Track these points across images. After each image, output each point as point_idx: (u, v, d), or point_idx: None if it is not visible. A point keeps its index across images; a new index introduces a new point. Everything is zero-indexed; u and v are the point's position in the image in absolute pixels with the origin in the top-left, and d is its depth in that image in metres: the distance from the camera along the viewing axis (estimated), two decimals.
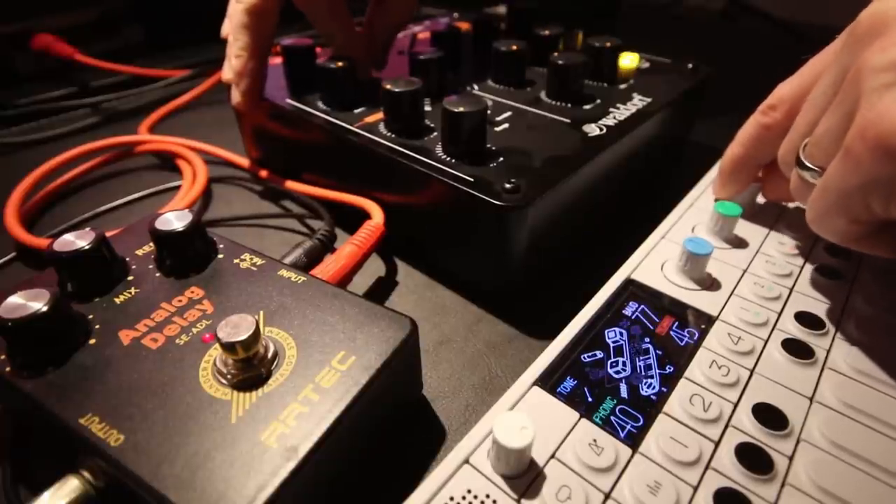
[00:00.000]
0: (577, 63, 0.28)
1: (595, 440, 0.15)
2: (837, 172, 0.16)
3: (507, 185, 0.21)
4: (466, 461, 0.15)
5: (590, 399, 0.17)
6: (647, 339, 0.19)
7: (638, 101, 0.29)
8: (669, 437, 0.15)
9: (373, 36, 0.31)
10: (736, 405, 0.16)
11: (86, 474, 0.14)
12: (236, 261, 0.20)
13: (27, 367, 0.15)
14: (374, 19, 0.31)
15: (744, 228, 0.24)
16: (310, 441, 0.14)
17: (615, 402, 0.16)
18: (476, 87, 0.31)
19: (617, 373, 0.17)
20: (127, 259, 0.20)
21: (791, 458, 0.15)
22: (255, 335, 0.15)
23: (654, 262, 0.22)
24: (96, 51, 0.47)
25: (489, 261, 0.23)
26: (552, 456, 0.15)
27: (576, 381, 0.17)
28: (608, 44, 0.31)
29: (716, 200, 0.24)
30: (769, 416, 0.16)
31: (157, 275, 0.19)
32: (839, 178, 0.16)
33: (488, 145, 0.24)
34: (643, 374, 0.17)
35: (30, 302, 0.15)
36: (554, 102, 0.29)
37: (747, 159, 0.24)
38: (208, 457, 0.13)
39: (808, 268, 0.22)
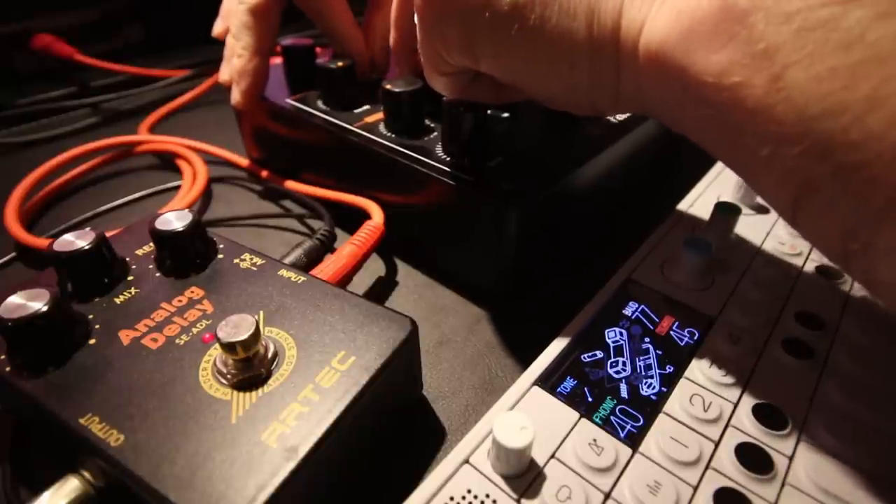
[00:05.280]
0: None
1: (595, 440, 0.15)
2: (417, 27, 0.18)
3: (507, 185, 0.21)
4: (466, 461, 0.15)
5: (590, 399, 0.17)
6: (647, 339, 0.19)
7: None
8: (669, 437, 0.15)
9: (373, 39, 0.31)
10: (736, 405, 0.16)
11: (86, 474, 0.14)
12: (236, 261, 0.20)
13: (27, 367, 0.15)
14: (371, 23, 0.31)
15: (744, 228, 0.24)
16: (310, 441, 0.14)
17: (615, 401, 0.16)
18: None
19: (617, 373, 0.17)
20: (127, 259, 0.19)
21: (791, 458, 0.15)
22: (255, 335, 0.15)
23: (654, 262, 0.22)
24: (96, 51, 0.47)
25: (489, 260, 0.23)
26: (552, 456, 0.15)
27: (576, 381, 0.17)
28: None
29: (718, 204, 0.24)
30: (769, 416, 0.16)
31: (157, 275, 0.19)
32: (418, 33, 0.18)
33: (488, 145, 0.24)
34: (643, 374, 0.17)
35: (30, 302, 0.15)
36: None
37: (405, 40, 0.25)
38: (208, 457, 0.13)
39: (809, 267, 0.22)
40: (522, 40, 0.15)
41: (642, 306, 0.20)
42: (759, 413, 0.16)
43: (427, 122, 0.26)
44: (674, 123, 0.15)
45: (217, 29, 0.33)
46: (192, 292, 0.18)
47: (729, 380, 0.17)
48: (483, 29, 0.16)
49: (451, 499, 0.14)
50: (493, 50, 0.16)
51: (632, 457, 0.15)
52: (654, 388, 0.17)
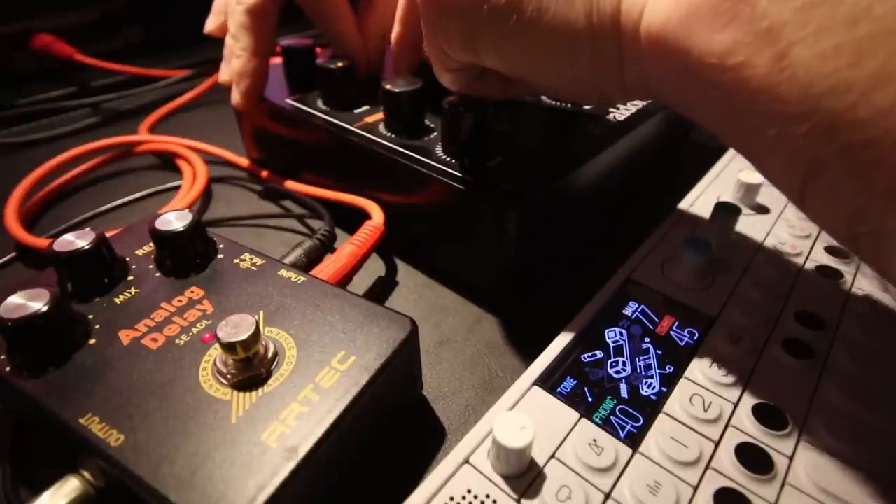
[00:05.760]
0: None
1: (595, 440, 0.15)
2: (423, 25, 0.18)
3: (507, 185, 0.21)
4: (466, 461, 0.15)
5: (590, 399, 0.17)
6: (647, 339, 0.19)
7: (638, 101, 0.29)
8: (669, 437, 0.15)
9: (367, 39, 0.31)
10: (736, 405, 0.16)
11: (86, 474, 0.14)
12: (236, 261, 0.20)
13: (27, 367, 0.15)
14: (364, 24, 0.31)
15: (744, 228, 0.24)
16: (310, 441, 0.14)
17: (615, 401, 0.16)
18: None
19: (617, 373, 0.17)
20: (127, 259, 0.19)
21: (791, 458, 0.15)
22: (255, 335, 0.15)
23: (654, 262, 0.22)
24: (96, 51, 0.47)
25: (489, 260, 0.23)
26: (552, 456, 0.15)
27: (576, 381, 0.17)
28: None
29: (718, 204, 0.24)
30: (769, 416, 0.16)
31: (157, 275, 0.19)
32: (423, 30, 0.18)
33: (488, 145, 0.24)
34: (643, 374, 0.17)
35: (30, 302, 0.15)
36: (554, 102, 0.29)
37: (409, 36, 0.25)
38: (208, 457, 0.13)
39: (809, 267, 0.22)
40: (521, 32, 0.15)
41: (642, 306, 0.20)
42: (759, 413, 0.16)
43: (427, 122, 0.26)
44: (680, 107, 0.15)
45: (209, 26, 0.32)
46: (192, 292, 0.18)
47: (729, 380, 0.17)
48: (482, 23, 0.16)
49: (451, 499, 0.14)
50: (494, 43, 0.16)
51: (632, 457, 0.15)
52: (654, 388, 0.17)
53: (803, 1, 0.10)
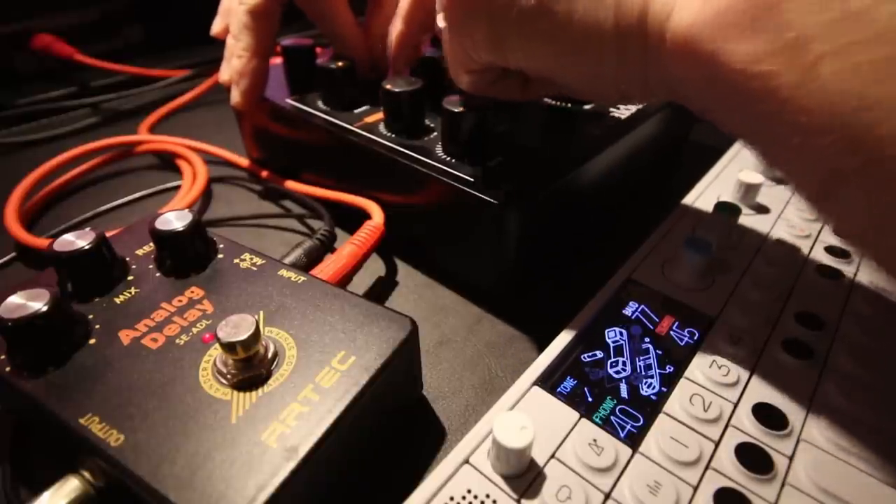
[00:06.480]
0: None
1: (595, 440, 0.15)
2: (444, 27, 0.18)
3: (507, 185, 0.21)
4: (466, 461, 0.15)
5: (590, 399, 0.17)
6: (647, 339, 0.19)
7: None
8: (669, 436, 0.15)
9: (372, 40, 0.31)
10: (736, 405, 0.16)
11: (86, 474, 0.14)
12: (236, 261, 0.20)
13: (27, 367, 0.15)
14: (372, 24, 0.31)
15: (744, 228, 0.24)
16: (310, 441, 0.14)
17: (615, 401, 0.16)
18: None
19: (617, 373, 0.17)
20: (127, 259, 0.19)
21: (791, 458, 0.15)
22: (255, 335, 0.15)
23: (654, 262, 0.22)
24: (96, 51, 0.47)
25: (489, 260, 0.23)
26: (552, 456, 0.15)
27: (576, 381, 0.17)
28: None
29: (718, 204, 0.24)
30: (769, 416, 0.16)
31: (157, 275, 0.19)
32: (444, 33, 0.18)
33: (488, 145, 0.24)
34: (643, 374, 0.17)
35: (30, 302, 0.15)
36: (554, 102, 0.29)
37: (412, 35, 0.26)
38: (208, 457, 0.13)
39: (809, 267, 0.22)
40: (551, 33, 0.15)
41: (642, 306, 0.20)
42: (759, 413, 0.16)
43: (427, 122, 0.26)
44: (702, 109, 0.15)
45: (215, 28, 0.33)
46: (192, 292, 0.18)
47: (729, 380, 0.17)
48: (511, 25, 0.16)
49: (451, 499, 0.14)
50: (521, 44, 0.16)
51: (632, 457, 0.15)
52: (654, 388, 0.17)
53: (830, 16, 0.10)
